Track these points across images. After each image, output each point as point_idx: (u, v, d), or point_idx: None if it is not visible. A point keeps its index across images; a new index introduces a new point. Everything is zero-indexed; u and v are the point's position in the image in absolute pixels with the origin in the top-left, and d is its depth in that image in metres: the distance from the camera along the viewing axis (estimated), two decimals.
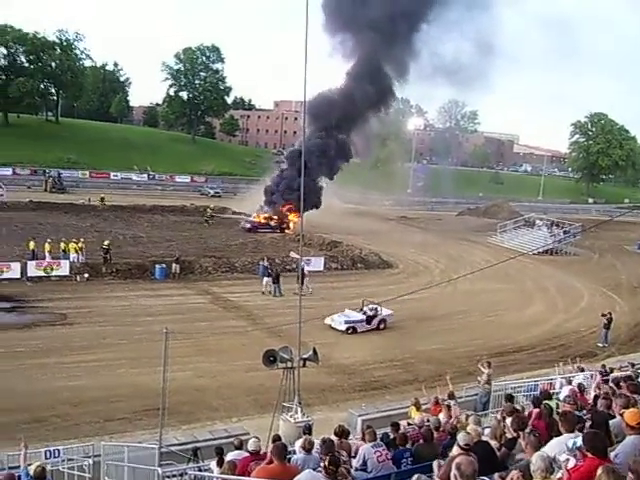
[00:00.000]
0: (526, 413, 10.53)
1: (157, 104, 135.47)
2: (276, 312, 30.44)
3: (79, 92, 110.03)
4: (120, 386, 20.86)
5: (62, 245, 36.81)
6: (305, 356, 15.82)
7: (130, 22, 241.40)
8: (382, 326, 30.01)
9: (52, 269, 34.78)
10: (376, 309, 29.84)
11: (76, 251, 36.56)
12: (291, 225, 57.00)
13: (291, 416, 14.96)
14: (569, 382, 16.35)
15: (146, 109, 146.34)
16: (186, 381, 20.96)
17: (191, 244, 46.53)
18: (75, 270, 35.15)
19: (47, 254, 36.05)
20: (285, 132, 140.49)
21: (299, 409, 15.11)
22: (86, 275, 35.02)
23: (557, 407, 10.59)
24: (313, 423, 14.01)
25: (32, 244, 36.79)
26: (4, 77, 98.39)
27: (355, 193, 78.48)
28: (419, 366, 25.56)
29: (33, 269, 34.30)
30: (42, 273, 34.36)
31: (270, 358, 15.43)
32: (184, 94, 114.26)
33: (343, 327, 28.93)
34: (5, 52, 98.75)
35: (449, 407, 13.89)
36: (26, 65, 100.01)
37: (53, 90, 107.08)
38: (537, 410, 10.31)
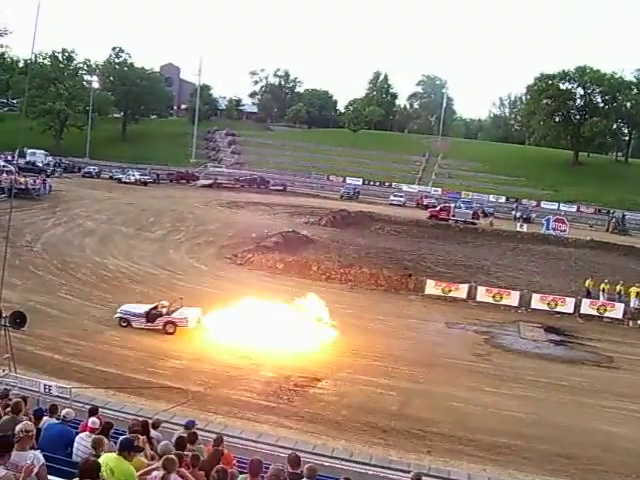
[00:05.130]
0: None
1: None
2: None
3: None
4: None
5: (619, 287, 36.16)
6: None
7: None
8: (171, 330, 24.70)
9: (605, 310, 34.39)
10: (167, 308, 25.11)
11: (636, 295, 35.33)
12: None
13: None
14: None
15: None
16: None
17: None
18: (629, 315, 34.02)
19: (602, 294, 35.90)
20: None
21: None
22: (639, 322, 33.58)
23: None
24: None
25: (588, 282, 37.12)
26: (578, 117, 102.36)
27: None
28: None
29: (586, 307, 34.47)
30: (595, 312, 34.27)
31: None
32: None
33: (116, 316, 25.05)
34: (582, 92, 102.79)
35: None
36: (601, 105, 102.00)
37: (625, 130, 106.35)
38: None
